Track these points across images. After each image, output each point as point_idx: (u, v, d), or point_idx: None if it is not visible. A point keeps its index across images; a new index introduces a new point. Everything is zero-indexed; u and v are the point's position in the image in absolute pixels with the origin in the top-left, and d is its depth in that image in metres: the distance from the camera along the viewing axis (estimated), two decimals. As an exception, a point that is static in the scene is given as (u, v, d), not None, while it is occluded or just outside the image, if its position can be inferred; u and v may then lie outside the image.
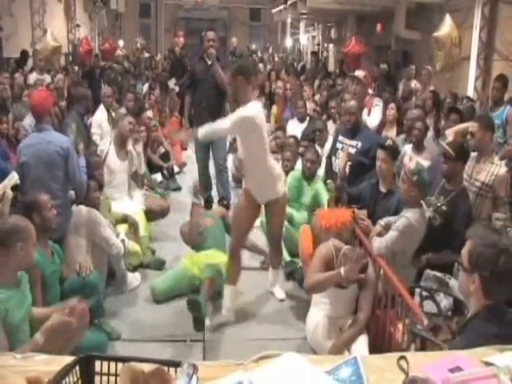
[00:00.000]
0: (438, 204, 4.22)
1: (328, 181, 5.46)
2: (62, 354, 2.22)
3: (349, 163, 5.15)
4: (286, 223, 5.29)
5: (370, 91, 7.34)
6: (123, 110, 7.45)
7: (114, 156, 5.77)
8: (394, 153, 4.59)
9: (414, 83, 9.14)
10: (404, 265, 4.05)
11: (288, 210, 5.28)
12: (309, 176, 5.51)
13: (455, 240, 3.95)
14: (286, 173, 5.84)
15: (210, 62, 6.61)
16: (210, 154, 6.80)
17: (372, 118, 6.68)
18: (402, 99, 8.54)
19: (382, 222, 4.21)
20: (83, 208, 4.48)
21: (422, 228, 4.00)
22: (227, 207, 6.39)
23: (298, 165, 5.88)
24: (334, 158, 5.49)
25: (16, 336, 3.06)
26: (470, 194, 4.34)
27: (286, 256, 5.25)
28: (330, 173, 5.55)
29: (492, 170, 4.33)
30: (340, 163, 5.20)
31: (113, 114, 7.14)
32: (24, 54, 11.98)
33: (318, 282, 3.76)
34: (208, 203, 6.84)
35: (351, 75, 6.93)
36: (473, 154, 4.54)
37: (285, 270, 5.24)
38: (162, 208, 6.05)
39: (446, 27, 9.25)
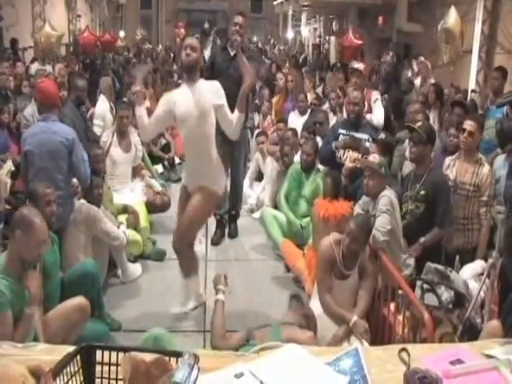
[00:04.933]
0: (416, 191, 4.20)
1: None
2: (63, 344, 2.23)
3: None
4: (288, 216, 5.32)
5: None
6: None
7: (117, 147, 5.77)
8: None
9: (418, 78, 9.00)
10: (400, 248, 4.06)
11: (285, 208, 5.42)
12: (306, 168, 5.47)
13: (441, 214, 4.11)
14: (286, 167, 5.86)
15: (233, 53, 5.49)
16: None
17: (377, 115, 6.38)
18: (402, 92, 8.48)
19: (359, 207, 4.25)
20: (84, 204, 4.47)
21: (397, 201, 4.08)
22: (234, 217, 5.89)
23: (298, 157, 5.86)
24: (337, 152, 5.38)
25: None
26: (458, 198, 4.34)
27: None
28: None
29: (476, 169, 4.32)
30: (348, 164, 5.06)
31: (112, 104, 7.09)
32: (13, 42, 11.94)
33: (329, 310, 3.77)
34: (220, 222, 5.91)
35: (351, 68, 6.74)
36: (454, 156, 4.53)
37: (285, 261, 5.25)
38: (163, 203, 6.03)
39: (452, 20, 9.16)
